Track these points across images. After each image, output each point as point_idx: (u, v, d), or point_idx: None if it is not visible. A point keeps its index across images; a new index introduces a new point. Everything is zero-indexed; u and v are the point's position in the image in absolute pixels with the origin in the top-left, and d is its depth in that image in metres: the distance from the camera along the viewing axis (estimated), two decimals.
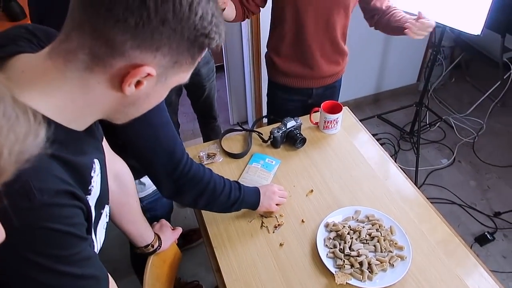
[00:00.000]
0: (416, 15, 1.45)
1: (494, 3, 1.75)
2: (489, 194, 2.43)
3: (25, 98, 0.52)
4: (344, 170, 1.43)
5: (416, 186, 2.40)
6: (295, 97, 1.77)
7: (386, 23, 1.59)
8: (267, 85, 1.86)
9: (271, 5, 1.60)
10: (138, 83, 0.56)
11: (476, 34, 1.84)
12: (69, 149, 0.57)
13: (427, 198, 1.38)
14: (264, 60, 1.81)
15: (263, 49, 2.43)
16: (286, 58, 1.66)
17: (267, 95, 1.90)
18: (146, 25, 0.51)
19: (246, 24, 2.39)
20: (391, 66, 3.02)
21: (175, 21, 0.52)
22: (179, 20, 0.53)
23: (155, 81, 0.58)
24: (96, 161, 0.67)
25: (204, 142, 2.41)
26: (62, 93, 0.56)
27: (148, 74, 0.55)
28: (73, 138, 0.59)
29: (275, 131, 1.49)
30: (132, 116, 0.65)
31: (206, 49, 0.60)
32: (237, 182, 1.17)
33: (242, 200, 1.15)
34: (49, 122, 0.54)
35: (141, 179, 1.32)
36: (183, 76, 0.62)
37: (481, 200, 2.39)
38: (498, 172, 2.56)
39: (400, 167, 1.52)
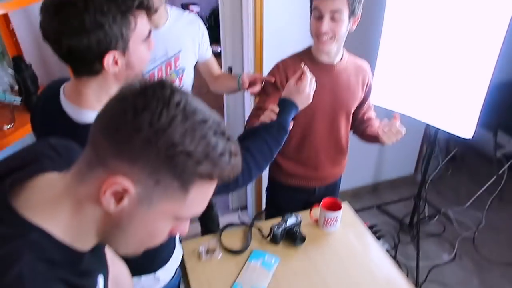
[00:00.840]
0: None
1: (485, 103, 1.85)
2: None
3: (37, 219, 0.56)
4: (343, 272, 1.41)
5: (418, 284, 2.35)
6: (297, 196, 1.81)
7: (362, 132, 1.76)
8: (267, 180, 1.89)
9: None
10: (119, 199, 0.55)
11: (467, 138, 1.92)
12: (75, 272, 0.58)
13: None
14: None
15: None
16: (291, 160, 1.72)
17: (267, 190, 1.92)
18: (123, 132, 0.53)
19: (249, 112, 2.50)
20: (389, 157, 3.11)
21: (150, 131, 0.52)
22: (155, 130, 0.52)
23: (136, 201, 0.55)
24: (100, 277, 0.68)
25: (201, 230, 2.40)
26: (65, 211, 0.58)
27: (127, 189, 0.54)
28: (78, 260, 0.60)
29: (275, 228, 1.50)
30: (125, 245, 0.62)
31: (201, 179, 0.57)
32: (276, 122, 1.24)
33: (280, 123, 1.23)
34: (58, 244, 0.57)
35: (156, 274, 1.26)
36: (177, 209, 0.58)
37: None
38: (501, 269, 2.51)
39: (401, 262, 1.50)
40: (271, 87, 1.61)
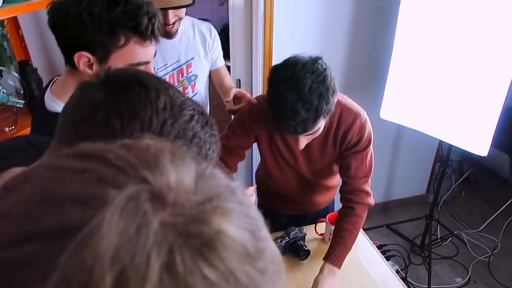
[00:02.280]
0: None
1: (500, 124, 1.79)
2: None
3: None
4: None
5: None
6: (287, 220, 1.66)
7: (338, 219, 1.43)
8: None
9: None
10: None
11: (482, 155, 1.85)
12: None
13: None
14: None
15: None
16: (275, 194, 1.60)
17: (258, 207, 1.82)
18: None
19: None
20: (399, 176, 3.03)
21: None
22: None
23: None
24: None
25: None
26: None
27: None
28: None
29: (278, 241, 1.44)
30: None
31: None
32: None
33: None
34: None
35: None
36: None
37: None
38: None
39: (412, 284, 1.41)
40: (243, 136, 1.43)
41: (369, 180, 1.40)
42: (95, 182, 0.26)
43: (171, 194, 0.26)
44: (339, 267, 1.32)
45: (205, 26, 1.74)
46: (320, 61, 1.16)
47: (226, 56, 2.45)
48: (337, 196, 1.66)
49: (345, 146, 1.35)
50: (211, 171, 0.31)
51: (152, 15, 0.87)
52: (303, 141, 1.24)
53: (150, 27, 0.87)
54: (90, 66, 0.88)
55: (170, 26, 1.50)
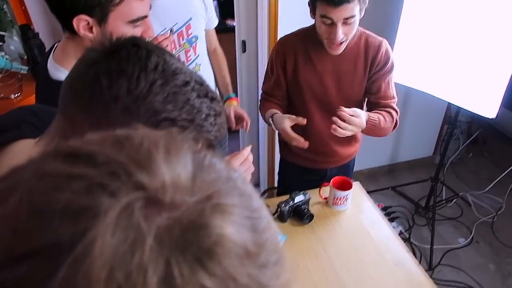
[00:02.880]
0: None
1: (510, 84, 1.75)
2: (511, 280, 2.28)
3: None
4: (352, 252, 1.37)
5: (431, 267, 2.29)
6: (308, 177, 1.75)
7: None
8: (279, 160, 1.85)
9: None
10: None
11: (491, 117, 1.82)
12: None
13: (443, 280, 1.29)
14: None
15: None
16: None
17: (279, 173, 1.88)
18: (100, 101, 0.48)
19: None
20: (407, 138, 3.01)
21: (129, 99, 0.48)
22: (134, 98, 0.48)
23: None
24: None
25: None
26: None
27: None
28: None
29: (282, 205, 1.46)
30: None
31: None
32: None
33: None
34: None
35: None
36: None
37: (502, 287, 2.24)
38: None
39: (415, 244, 1.45)
40: (275, 68, 1.54)
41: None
42: (85, 192, 0.24)
43: (167, 196, 0.25)
44: (366, 125, 1.40)
45: None
46: None
47: (231, 15, 2.38)
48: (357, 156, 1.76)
49: (374, 68, 1.48)
50: (210, 161, 0.30)
51: None
52: (341, 30, 1.30)
53: None
54: (90, 29, 0.87)
55: None
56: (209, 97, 0.54)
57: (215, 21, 1.79)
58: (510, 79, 1.73)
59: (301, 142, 1.40)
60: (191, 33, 1.64)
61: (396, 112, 1.53)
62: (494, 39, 1.74)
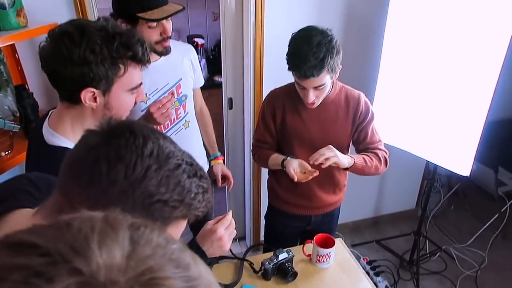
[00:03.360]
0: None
1: (483, 140, 1.85)
2: None
3: None
4: None
5: None
6: (293, 223, 1.82)
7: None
8: (266, 206, 1.92)
9: None
10: None
11: (465, 175, 1.91)
12: None
13: None
14: (266, 183, 1.90)
15: (263, 172, 2.53)
16: (286, 187, 1.74)
17: (265, 216, 1.94)
18: (98, 185, 0.52)
19: (248, 143, 2.51)
20: (389, 191, 3.08)
21: (125, 183, 0.52)
22: (130, 183, 0.53)
23: None
24: None
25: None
26: None
27: None
28: None
29: (266, 263, 1.48)
30: None
31: (182, 219, 0.58)
32: None
33: None
34: None
35: None
36: None
37: None
38: None
39: None
40: (266, 118, 1.67)
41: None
42: (24, 282, 0.27)
43: (100, 278, 0.27)
44: (348, 163, 1.55)
45: (186, 47, 1.81)
46: (329, 29, 1.46)
47: (219, 72, 2.50)
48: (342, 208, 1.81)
49: (358, 119, 1.63)
50: (147, 237, 0.32)
51: (143, 41, 0.96)
52: (312, 94, 1.48)
53: (144, 52, 0.96)
54: (94, 99, 0.95)
55: (166, 41, 1.54)
56: (198, 176, 0.59)
57: (201, 81, 1.91)
58: (482, 133, 1.83)
59: (311, 174, 1.50)
60: (181, 92, 1.73)
61: (385, 152, 1.69)
62: (465, 99, 1.86)
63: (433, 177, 2.43)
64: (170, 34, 1.54)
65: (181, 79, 1.72)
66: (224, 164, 2.07)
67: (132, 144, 0.54)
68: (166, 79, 1.67)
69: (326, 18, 2.21)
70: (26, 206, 0.64)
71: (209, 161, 2.01)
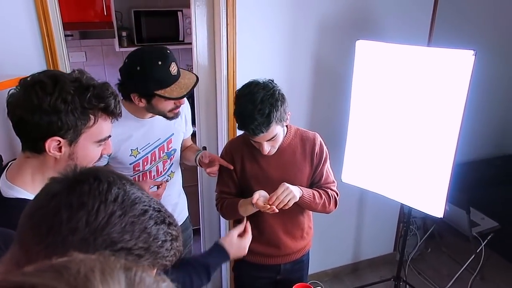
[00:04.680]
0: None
1: (453, 181, 1.88)
2: None
3: None
4: None
5: None
6: (262, 273, 1.76)
7: None
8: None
9: None
10: None
11: (439, 217, 1.93)
12: None
13: None
14: None
15: None
16: (253, 239, 1.65)
17: (233, 269, 1.86)
18: (58, 234, 0.50)
19: None
20: (367, 236, 3.07)
21: (87, 231, 0.50)
22: (92, 230, 0.50)
23: None
24: None
25: None
26: None
27: None
28: None
29: None
30: None
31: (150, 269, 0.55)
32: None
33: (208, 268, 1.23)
34: None
35: None
36: None
37: None
38: None
39: None
40: (227, 172, 1.66)
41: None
42: None
43: None
44: (302, 194, 1.55)
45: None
46: (270, 81, 1.49)
47: (193, 122, 2.51)
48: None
49: (316, 159, 1.66)
50: (140, 277, 0.33)
51: (115, 95, 0.96)
52: (267, 145, 1.51)
53: (117, 105, 0.95)
54: (59, 149, 0.92)
55: (178, 108, 1.56)
56: (166, 223, 0.57)
57: (190, 131, 1.93)
58: (450, 177, 1.88)
59: (271, 209, 1.46)
60: (171, 147, 1.74)
61: (336, 193, 1.70)
62: (432, 143, 1.92)
63: (408, 220, 2.45)
64: (184, 102, 1.57)
65: (172, 134, 1.73)
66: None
67: (95, 190, 0.52)
68: (158, 135, 1.68)
69: (297, 69, 2.30)
70: None
71: (196, 158, 1.84)
